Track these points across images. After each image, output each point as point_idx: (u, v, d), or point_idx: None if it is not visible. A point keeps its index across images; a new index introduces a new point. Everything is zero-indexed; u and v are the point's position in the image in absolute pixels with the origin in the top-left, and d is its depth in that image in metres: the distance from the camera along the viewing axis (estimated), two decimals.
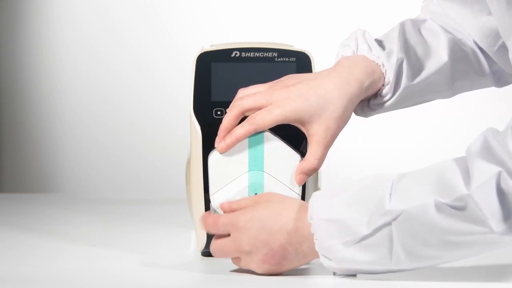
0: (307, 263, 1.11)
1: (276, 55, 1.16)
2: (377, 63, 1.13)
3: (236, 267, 1.07)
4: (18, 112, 2.65)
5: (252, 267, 1.02)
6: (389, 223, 0.94)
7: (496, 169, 0.90)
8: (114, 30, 2.60)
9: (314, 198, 1.00)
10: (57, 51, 2.61)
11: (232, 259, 1.05)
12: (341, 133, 1.12)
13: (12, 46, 2.64)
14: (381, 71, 1.14)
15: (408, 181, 0.95)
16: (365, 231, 0.95)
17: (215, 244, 1.05)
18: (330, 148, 1.10)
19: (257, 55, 1.16)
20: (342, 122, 1.10)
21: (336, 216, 0.96)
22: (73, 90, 2.62)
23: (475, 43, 1.21)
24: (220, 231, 1.04)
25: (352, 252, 0.96)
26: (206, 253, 1.16)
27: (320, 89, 1.09)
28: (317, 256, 0.99)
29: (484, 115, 2.48)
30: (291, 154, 1.10)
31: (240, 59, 1.16)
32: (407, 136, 2.53)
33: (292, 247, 1.00)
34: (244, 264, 1.03)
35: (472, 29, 1.20)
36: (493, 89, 1.26)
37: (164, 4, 2.59)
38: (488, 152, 0.92)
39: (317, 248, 0.98)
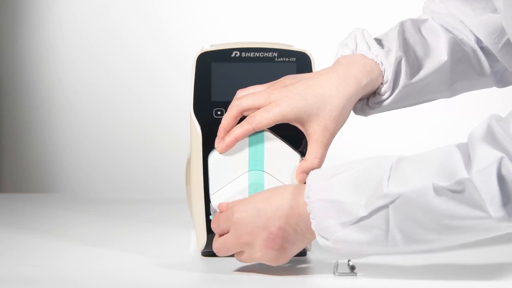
0: (308, 263, 1.11)
1: (276, 55, 1.16)
2: (376, 62, 1.13)
3: (238, 266, 1.07)
4: (18, 112, 2.65)
5: (257, 257, 1.02)
6: (386, 206, 0.94)
7: (498, 154, 0.90)
8: (114, 30, 2.60)
9: (311, 177, 1.00)
10: (57, 51, 2.61)
11: (236, 256, 1.04)
12: (342, 132, 1.12)
13: (12, 46, 2.64)
14: (380, 69, 1.14)
15: (407, 165, 0.95)
16: (362, 212, 0.95)
17: (217, 243, 1.05)
18: (330, 147, 1.10)
19: (257, 55, 1.16)
20: (340, 121, 1.10)
21: (334, 197, 0.97)
22: (73, 90, 2.62)
23: (477, 42, 1.21)
24: (221, 228, 1.04)
25: (349, 233, 0.96)
26: (206, 253, 1.17)
27: (318, 88, 1.09)
28: (315, 236, 0.99)
29: (486, 114, 2.48)
30: (291, 153, 1.10)
31: (240, 59, 1.16)
32: (407, 135, 2.53)
33: (290, 227, 1.00)
34: (248, 257, 1.03)
35: (476, 27, 1.20)
36: (496, 88, 1.26)
37: (164, 4, 2.59)
38: (491, 137, 0.92)
39: (313, 227, 0.98)
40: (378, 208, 0.95)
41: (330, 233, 0.97)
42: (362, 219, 0.96)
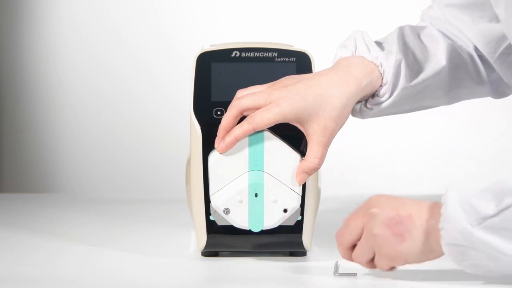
0: (308, 263, 1.10)
1: (276, 55, 1.16)
2: (375, 64, 1.14)
3: (238, 266, 1.07)
4: (18, 112, 2.65)
5: (374, 233, 0.97)
6: None
7: None
8: (114, 30, 2.60)
9: (450, 187, 0.96)
10: (57, 51, 2.61)
11: (340, 241, 1.01)
12: (342, 133, 1.12)
13: (12, 46, 2.64)
14: (379, 71, 1.14)
15: None
16: (491, 211, 0.92)
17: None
18: (330, 148, 1.10)
19: (257, 55, 1.16)
20: (340, 121, 1.10)
21: (469, 199, 0.93)
22: (73, 90, 2.62)
23: (475, 50, 1.21)
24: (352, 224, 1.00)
25: (477, 233, 0.92)
26: (206, 253, 1.17)
27: (318, 88, 1.09)
28: (437, 242, 0.95)
29: (484, 119, 2.48)
30: (291, 153, 1.10)
31: (240, 59, 1.16)
32: (407, 137, 2.53)
33: (419, 220, 0.96)
34: (364, 239, 0.98)
35: (473, 35, 1.20)
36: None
37: (164, 4, 2.59)
38: None
39: (442, 222, 0.94)
40: (507, 206, 0.92)
41: (457, 225, 0.93)
42: (490, 217, 0.92)
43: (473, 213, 0.93)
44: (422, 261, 0.98)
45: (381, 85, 1.14)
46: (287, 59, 1.16)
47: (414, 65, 1.17)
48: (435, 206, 0.96)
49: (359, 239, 1.00)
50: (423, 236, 0.96)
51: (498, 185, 0.94)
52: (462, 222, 0.93)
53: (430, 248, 0.96)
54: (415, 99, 1.18)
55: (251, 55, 1.16)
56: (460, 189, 0.95)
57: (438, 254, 0.96)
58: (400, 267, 1.01)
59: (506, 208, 0.92)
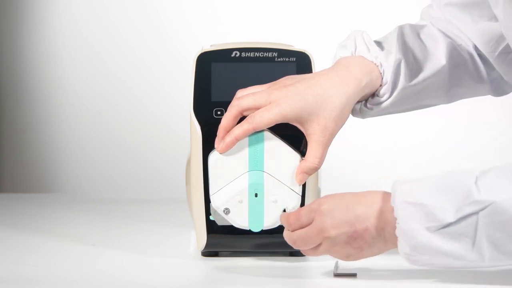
0: (308, 263, 1.10)
1: (276, 55, 1.17)
2: (375, 63, 1.14)
3: (238, 266, 1.07)
4: (18, 112, 2.65)
5: (334, 250, 1.00)
6: (476, 213, 0.92)
7: None
8: (114, 30, 2.60)
9: (397, 182, 0.98)
10: (57, 51, 2.61)
11: (309, 250, 1.02)
12: (342, 133, 1.12)
13: (12, 46, 2.64)
14: (379, 71, 1.14)
15: (493, 176, 0.94)
16: (450, 218, 0.93)
17: (293, 235, 1.02)
18: (330, 148, 1.10)
19: (257, 55, 1.16)
20: (340, 121, 1.10)
21: (421, 201, 0.95)
22: (73, 90, 2.62)
23: (475, 49, 1.21)
24: (302, 221, 1.01)
25: (433, 239, 0.94)
26: (206, 253, 1.17)
27: (318, 88, 1.09)
28: (394, 244, 0.97)
29: (484, 119, 2.48)
30: (291, 153, 1.10)
31: (240, 59, 1.16)
32: (407, 137, 2.53)
33: (376, 230, 0.98)
34: (325, 250, 1.01)
35: (473, 34, 1.20)
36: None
37: (164, 4, 2.59)
38: None
39: (397, 232, 0.95)
40: (467, 214, 0.92)
41: (412, 237, 0.95)
42: (449, 225, 0.93)
43: (432, 219, 0.94)
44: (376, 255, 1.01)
45: (381, 85, 1.14)
46: (287, 59, 1.16)
47: (414, 64, 1.17)
48: (386, 210, 0.97)
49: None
50: (382, 244, 0.99)
51: (453, 186, 0.94)
52: (416, 233, 0.94)
53: (386, 248, 0.99)
54: (415, 99, 1.18)
55: (251, 55, 1.16)
56: (407, 187, 0.96)
57: (394, 247, 0.98)
58: (400, 268, 1.01)
59: (466, 216, 0.93)
